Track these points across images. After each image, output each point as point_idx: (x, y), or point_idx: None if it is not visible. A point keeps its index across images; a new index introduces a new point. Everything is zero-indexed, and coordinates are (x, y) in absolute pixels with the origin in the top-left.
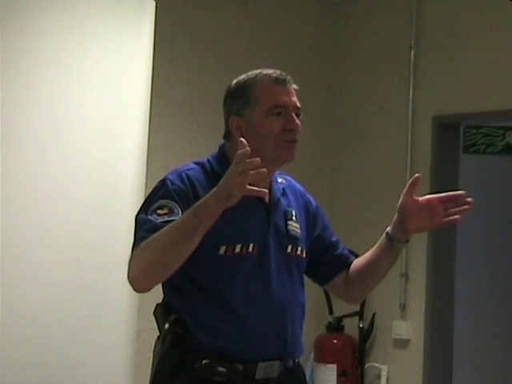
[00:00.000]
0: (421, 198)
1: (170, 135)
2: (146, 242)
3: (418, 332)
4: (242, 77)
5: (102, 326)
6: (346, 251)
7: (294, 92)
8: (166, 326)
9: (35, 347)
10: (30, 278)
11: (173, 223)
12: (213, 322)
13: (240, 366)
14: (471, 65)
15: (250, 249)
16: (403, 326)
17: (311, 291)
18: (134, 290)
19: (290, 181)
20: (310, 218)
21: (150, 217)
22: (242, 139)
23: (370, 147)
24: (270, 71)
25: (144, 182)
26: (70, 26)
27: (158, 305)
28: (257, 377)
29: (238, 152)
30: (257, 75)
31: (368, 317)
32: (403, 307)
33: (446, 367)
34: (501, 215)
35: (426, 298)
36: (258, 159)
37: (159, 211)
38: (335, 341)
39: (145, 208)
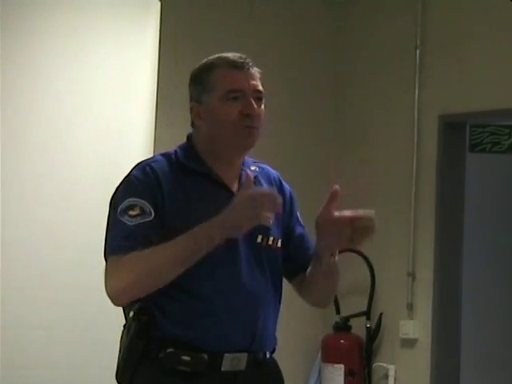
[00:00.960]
0: (336, 214)
1: (175, 135)
2: (130, 257)
3: (426, 331)
4: (203, 62)
5: (105, 326)
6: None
7: (255, 75)
8: (131, 314)
9: (39, 348)
10: (34, 278)
11: (169, 247)
12: (177, 312)
13: (205, 356)
14: (477, 63)
15: None
16: (410, 326)
17: None
18: (113, 303)
19: (264, 168)
20: (286, 205)
21: (122, 219)
22: (249, 174)
23: (375, 147)
24: (229, 54)
25: None
26: (74, 27)
27: None
28: (223, 369)
29: (258, 191)
30: (214, 60)
31: (375, 316)
32: (410, 307)
33: (453, 366)
34: (507, 214)
35: (433, 297)
36: (277, 195)
37: (131, 212)
38: (342, 341)
39: (114, 207)
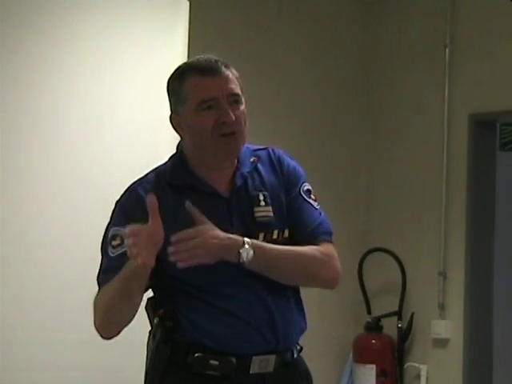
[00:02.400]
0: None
1: None
2: (101, 293)
3: (458, 331)
4: (175, 69)
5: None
6: (317, 230)
7: (228, 78)
8: (156, 320)
9: (48, 350)
10: (39, 279)
11: (113, 283)
12: (201, 321)
13: (233, 359)
14: (507, 62)
15: None
16: (442, 326)
17: (349, 291)
18: (101, 336)
19: (263, 155)
20: (284, 181)
21: (107, 249)
22: (150, 196)
23: (406, 146)
24: (200, 59)
25: None
26: (104, 29)
27: (148, 299)
28: (251, 371)
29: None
30: (184, 68)
31: (407, 316)
32: (442, 306)
33: (485, 366)
34: None
35: (465, 296)
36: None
37: (113, 242)
38: (374, 341)
39: (105, 232)
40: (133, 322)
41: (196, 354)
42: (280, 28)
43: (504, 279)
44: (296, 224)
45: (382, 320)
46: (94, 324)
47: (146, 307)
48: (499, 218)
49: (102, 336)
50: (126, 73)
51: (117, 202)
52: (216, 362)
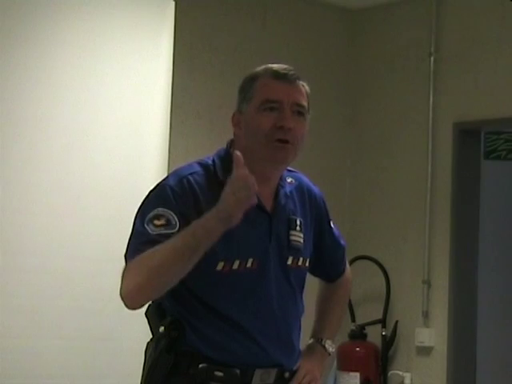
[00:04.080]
0: None
1: (190, 144)
2: (140, 256)
3: (442, 339)
4: (251, 71)
5: (123, 335)
6: (338, 267)
7: (298, 88)
8: (161, 329)
9: (56, 357)
10: (49, 288)
11: (171, 241)
12: (210, 333)
13: (238, 371)
14: (491, 70)
15: (249, 264)
16: (426, 334)
17: None
18: (126, 306)
19: (298, 179)
20: (316, 215)
21: (146, 227)
22: (237, 153)
23: (390, 154)
24: (275, 65)
25: None
26: (90, 38)
27: (149, 305)
28: (253, 382)
29: (234, 173)
30: (260, 70)
31: (391, 324)
32: (426, 314)
33: (469, 374)
34: None
35: (449, 305)
36: (250, 177)
37: (156, 221)
38: (358, 348)
39: (142, 213)
40: (118, 330)
41: (200, 365)
42: (264, 36)
43: (488, 287)
44: (329, 257)
45: (366, 328)
46: (123, 292)
47: (146, 313)
48: (483, 227)
49: (127, 303)
50: (111, 82)
51: (161, 184)
52: (221, 374)
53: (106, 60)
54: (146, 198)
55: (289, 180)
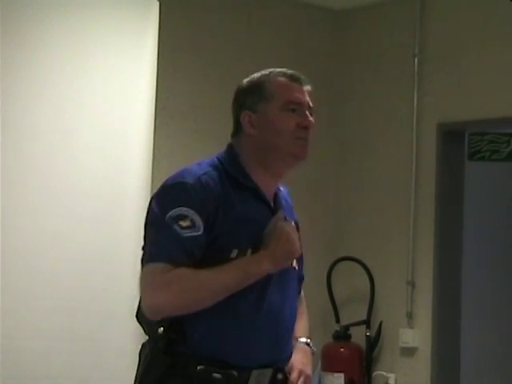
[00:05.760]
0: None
1: (174, 145)
2: (181, 274)
3: (425, 340)
4: (255, 75)
5: (107, 335)
6: (301, 284)
7: (309, 91)
8: (160, 330)
9: (40, 358)
10: (35, 288)
11: (219, 272)
12: (215, 328)
13: (235, 373)
14: (475, 71)
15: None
16: (410, 334)
17: (318, 300)
18: (148, 315)
19: (285, 186)
20: (295, 218)
21: (173, 226)
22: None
23: (374, 155)
24: (284, 69)
25: (149, 192)
26: (74, 40)
27: (140, 307)
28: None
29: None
30: (271, 72)
31: (375, 325)
32: (410, 315)
33: (453, 375)
34: (507, 222)
35: (433, 306)
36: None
37: (181, 222)
38: (342, 349)
39: (162, 207)
40: (100, 330)
41: (198, 367)
42: (248, 37)
43: (472, 288)
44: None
45: (351, 328)
46: (149, 303)
47: (137, 315)
48: (468, 228)
49: (152, 315)
50: (95, 84)
51: (180, 183)
52: (218, 375)
53: (90, 61)
54: (162, 193)
55: (281, 188)
